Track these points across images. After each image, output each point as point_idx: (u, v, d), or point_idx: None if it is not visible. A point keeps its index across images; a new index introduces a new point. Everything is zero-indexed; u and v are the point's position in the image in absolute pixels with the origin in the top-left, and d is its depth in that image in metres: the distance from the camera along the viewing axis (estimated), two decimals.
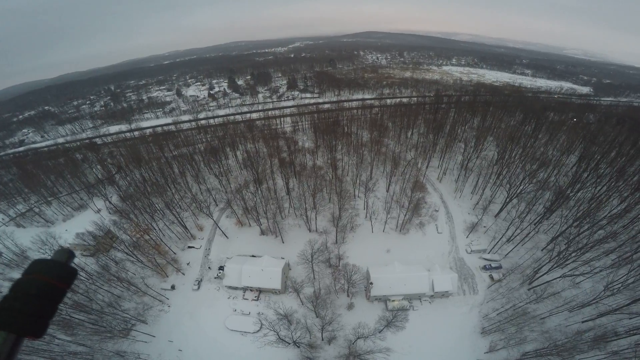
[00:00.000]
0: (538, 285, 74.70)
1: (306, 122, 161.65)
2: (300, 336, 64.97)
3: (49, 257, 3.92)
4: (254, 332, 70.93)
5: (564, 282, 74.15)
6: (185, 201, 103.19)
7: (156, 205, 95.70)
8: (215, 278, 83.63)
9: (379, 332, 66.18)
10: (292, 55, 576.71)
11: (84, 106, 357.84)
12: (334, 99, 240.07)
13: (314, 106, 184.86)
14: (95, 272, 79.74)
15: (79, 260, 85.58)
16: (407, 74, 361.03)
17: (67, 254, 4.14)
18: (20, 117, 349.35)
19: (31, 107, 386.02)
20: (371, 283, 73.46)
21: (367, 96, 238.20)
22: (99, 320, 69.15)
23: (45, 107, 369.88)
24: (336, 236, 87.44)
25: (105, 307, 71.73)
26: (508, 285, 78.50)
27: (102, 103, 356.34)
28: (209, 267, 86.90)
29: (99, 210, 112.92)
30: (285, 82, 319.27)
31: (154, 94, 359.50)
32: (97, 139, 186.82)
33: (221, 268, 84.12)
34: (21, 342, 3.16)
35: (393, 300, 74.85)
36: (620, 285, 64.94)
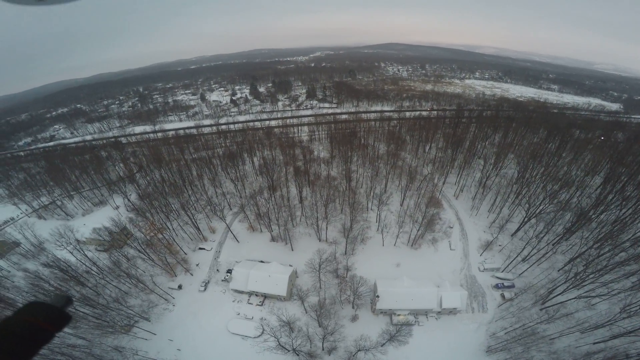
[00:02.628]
0: (551, 306, 72.22)
1: (323, 132, 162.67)
2: (301, 344, 64.47)
3: (47, 301, 4.10)
4: (254, 337, 70.90)
5: (578, 303, 71.28)
6: (201, 203, 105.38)
7: (172, 206, 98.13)
8: (222, 281, 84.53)
9: (381, 345, 64.96)
10: (313, 65, 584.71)
11: (113, 106, 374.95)
12: (352, 109, 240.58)
13: (332, 116, 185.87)
14: (107, 268, 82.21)
15: (92, 254, 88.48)
16: (429, 87, 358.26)
17: (64, 300, 4.36)
18: (54, 113, 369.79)
19: (64, 105, 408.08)
20: (377, 296, 72.23)
21: (385, 108, 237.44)
22: (103, 314, 70.67)
23: (77, 105, 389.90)
24: (346, 247, 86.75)
25: (111, 303, 73.42)
26: (519, 305, 75.92)
27: (130, 104, 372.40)
28: (218, 270, 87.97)
29: (117, 207, 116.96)
30: (304, 91, 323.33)
31: (179, 97, 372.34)
32: (122, 138, 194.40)
33: (229, 271, 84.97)
34: None
35: (398, 315, 73.48)
36: (638, 307, 61.92)
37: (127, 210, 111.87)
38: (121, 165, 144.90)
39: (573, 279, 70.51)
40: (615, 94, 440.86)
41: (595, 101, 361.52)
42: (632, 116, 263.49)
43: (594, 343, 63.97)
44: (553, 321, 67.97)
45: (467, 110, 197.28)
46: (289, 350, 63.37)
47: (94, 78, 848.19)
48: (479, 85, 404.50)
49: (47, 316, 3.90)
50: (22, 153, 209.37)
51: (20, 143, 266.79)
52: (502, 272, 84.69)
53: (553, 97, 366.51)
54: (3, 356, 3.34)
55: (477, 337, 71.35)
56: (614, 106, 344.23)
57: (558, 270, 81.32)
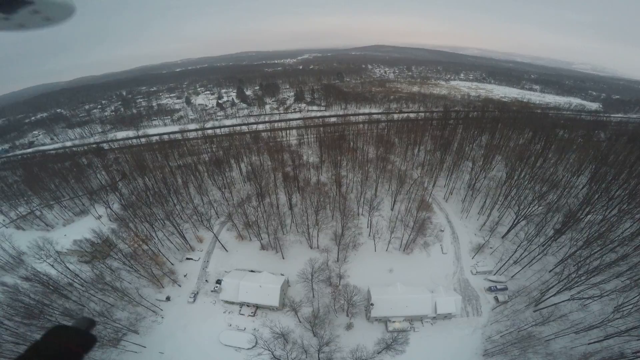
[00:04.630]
0: (544, 308, 72.73)
1: (312, 136, 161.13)
2: (296, 357, 62.78)
3: (70, 324, 4.28)
4: (248, 349, 68.75)
5: (571, 305, 71.88)
6: (187, 212, 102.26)
7: (157, 215, 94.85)
8: (212, 291, 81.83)
9: (377, 353, 63.79)
10: (301, 67, 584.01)
11: (94, 110, 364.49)
12: (341, 112, 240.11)
13: (320, 119, 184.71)
14: (90, 280, 78.69)
15: (74, 267, 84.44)
16: (415, 89, 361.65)
17: (88, 322, 4.58)
18: (33, 118, 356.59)
19: (44, 109, 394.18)
20: (372, 304, 71.08)
21: (374, 110, 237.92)
22: None
23: (58, 110, 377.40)
24: (338, 254, 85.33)
25: (96, 316, 70.33)
26: (513, 307, 76.17)
27: (112, 108, 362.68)
28: (206, 280, 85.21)
29: (99, 217, 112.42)
30: (292, 94, 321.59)
31: (164, 101, 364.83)
32: (104, 144, 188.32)
33: (219, 282, 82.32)
34: None
35: (394, 322, 72.57)
36: (631, 306, 62.78)
37: (110, 220, 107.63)
38: (103, 173, 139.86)
39: (565, 280, 71.22)
40: (594, 93, 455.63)
41: (575, 101, 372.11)
42: (612, 115, 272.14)
43: (589, 343, 64.58)
44: (547, 323, 68.18)
45: (454, 112, 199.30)
46: None
47: (75, 82, 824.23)
48: (464, 87, 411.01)
49: (73, 339, 4.00)
50: None
51: None
52: (494, 274, 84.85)
53: (535, 97, 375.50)
54: None
55: (472, 341, 71.20)
56: (594, 105, 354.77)
57: (549, 272, 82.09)
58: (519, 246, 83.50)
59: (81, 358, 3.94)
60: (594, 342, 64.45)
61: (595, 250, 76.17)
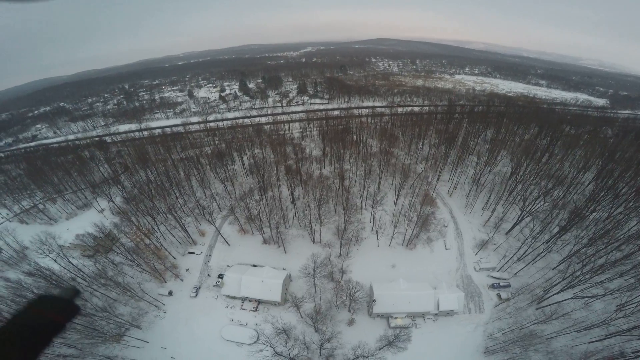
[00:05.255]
0: (547, 306, 72.03)
1: (315, 129, 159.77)
2: (298, 354, 62.58)
3: (55, 294, 4.26)
4: (250, 344, 68.66)
5: (574, 303, 71.15)
6: (189, 206, 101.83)
7: (159, 209, 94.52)
8: (214, 286, 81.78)
9: (379, 349, 63.55)
10: (304, 60, 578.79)
11: (97, 104, 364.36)
12: (344, 105, 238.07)
13: (323, 112, 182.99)
14: (93, 274, 78.68)
15: (77, 261, 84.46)
16: (419, 82, 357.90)
17: (72, 291, 4.53)
18: (36, 112, 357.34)
19: (47, 103, 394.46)
20: (374, 300, 70.59)
21: (377, 104, 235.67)
22: (93, 323, 67.73)
23: (61, 104, 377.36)
24: (340, 249, 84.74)
25: (99, 312, 70.39)
26: (516, 305, 75.51)
27: (115, 101, 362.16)
28: (209, 275, 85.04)
29: (102, 210, 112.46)
30: (295, 86, 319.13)
31: (166, 94, 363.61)
32: (107, 137, 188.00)
33: (221, 276, 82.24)
34: None
35: (396, 318, 72.12)
36: (634, 305, 62.20)
37: (113, 214, 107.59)
38: (106, 166, 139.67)
39: (570, 278, 70.26)
40: (602, 89, 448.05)
41: (582, 96, 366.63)
42: (619, 111, 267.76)
43: (590, 342, 64.10)
44: (550, 321, 67.35)
45: (459, 106, 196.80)
46: (286, 358, 61.35)
47: (78, 75, 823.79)
48: (469, 81, 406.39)
49: (57, 308, 4.05)
50: (2, 154, 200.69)
51: (1, 144, 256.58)
52: (497, 271, 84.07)
53: (541, 92, 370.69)
54: (18, 348, 3.44)
55: (474, 338, 70.78)
56: (601, 101, 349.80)
57: (552, 269, 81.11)
58: (523, 243, 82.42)
59: (64, 327, 4.03)
60: (595, 341, 63.96)
61: (600, 248, 75.22)
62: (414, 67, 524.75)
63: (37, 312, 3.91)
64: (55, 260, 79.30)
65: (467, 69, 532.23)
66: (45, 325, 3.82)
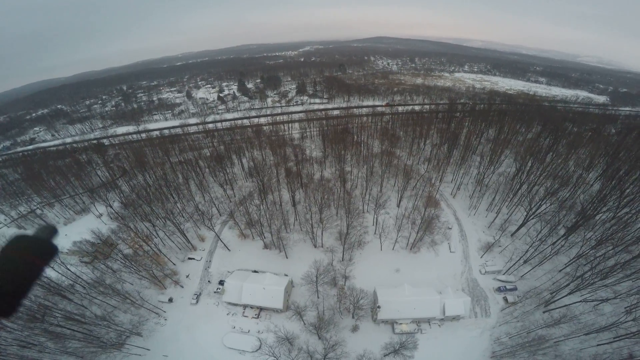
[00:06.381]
0: (555, 309, 70.80)
1: (315, 129, 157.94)
2: None
3: (31, 234, 3.90)
4: (252, 351, 67.35)
5: (583, 306, 69.93)
6: (188, 211, 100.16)
7: (158, 214, 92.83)
8: (215, 292, 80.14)
9: (385, 355, 62.32)
10: (302, 59, 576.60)
11: (95, 106, 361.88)
12: (344, 105, 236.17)
13: (323, 112, 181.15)
14: (92, 281, 77.24)
15: (75, 269, 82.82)
16: (419, 81, 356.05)
17: (49, 230, 4.21)
18: (34, 115, 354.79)
19: (45, 106, 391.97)
20: (379, 306, 69.03)
21: (377, 103, 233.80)
22: (93, 331, 66.85)
23: (59, 106, 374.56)
24: (343, 254, 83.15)
25: (98, 320, 69.02)
26: (523, 309, 74.17)
27: (113, 103, 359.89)
28: (209, 281, 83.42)
29: (100, 215, 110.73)
30: (294, 86, 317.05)
31: (165, 96, 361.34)
32: (105, 139, 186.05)
33: (221, 282, 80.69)
34: None
35: (400, 324, 70.69)
36: None
37: (111, 219, 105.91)
38: (103, 169, 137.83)
39: (579, 280, 68.96)
40: (601, 86, 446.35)
41: (582, 94, 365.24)
42: (620, 108, 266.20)
43: (598, 345, 63.12)
44: (558, 325, 66.00)
45: (460, 104, 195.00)
46: None
47: (76, 77, 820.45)
48: (469, 79, 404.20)
49: (34, 249, 3.77)
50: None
51: None
52: (503, 274, 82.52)
53: (542, 89, 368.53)
54: None
55: (481, 342, 69.59)
56: (601, 98, 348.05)
57: (559, 271, 79.65)
58: (530, 246, 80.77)
59: (41, 270, 3.72)
60: (604, 344, 62.83)
61: (608, 249, 73.74)
62: (413, 65, 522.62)
63: (14, 254, 3.58)
64: (52, 267, 77.52)
65: (466, 66, 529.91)
66: (22, 269, 3.51)
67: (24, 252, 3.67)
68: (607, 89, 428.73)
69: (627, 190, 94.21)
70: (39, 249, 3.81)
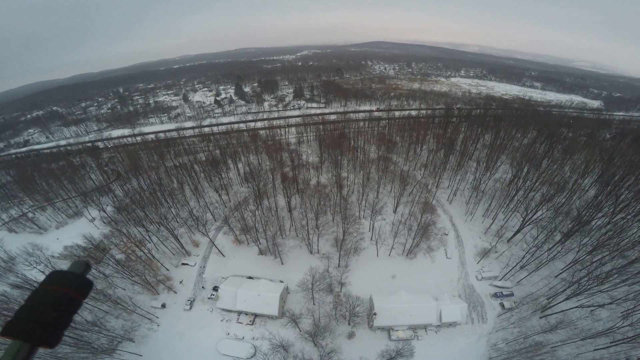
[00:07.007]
0: (552, 314, 70.74)
1: (311, 134, 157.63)
2: None
3: (66, 269, 3.98)
4: (247, 358, 66.46)
5: (579, 312, 69.93)
6: (182, 216, 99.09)
7: (151, 219, 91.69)
8: (208, 298, 78.96)
9: None
10: (300, 64, 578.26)
11: (91, 108, 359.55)
12: (341, 109, 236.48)
13: (320, 117, 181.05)
14: None
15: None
16: (415, 85, 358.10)
17: (84, 265, 4.18)
18: (29, 116, 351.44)
19: (40, 107, 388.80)
20: (375, 313, 68.29)
21: (374, 108, 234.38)
22: (82, 336, 65.33)
23: (54, 108, 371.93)
24: (339, 260, 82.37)
25: (89, 326, 67.72)
26: (519, 314, 73.95)
27: (109, 105, 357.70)
28: (203, 287, 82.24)
29: (93, 219, 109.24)
30: (291, 90, 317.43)
31: (161, 98, 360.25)
32: (100, 142, 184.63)
33: (215, 288, 79.54)
34: (35, 352, 3.27)
35: (397, 330, 70.01)
36: None
37: (104, 223, 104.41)
38: (97, 172, 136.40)
39: (576, 285, 69.05)
40: (595, 91, 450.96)
41: (577, 98, 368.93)
42: (614, 113, 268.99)
43: (595, 349, 63.25)
44: (555, 331, 65.84)
45: (456, 109, 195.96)
46: None
47: (72, 79, 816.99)
48: (465, 84, 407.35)
49: (69, 284, 3.82)
50: None
51: None
52: (500, 280, 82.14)
53: (537, 94, 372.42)
54: (41, 329, 3.32)
55: (477, 349, 69.06)
56: (595, 103, 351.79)
57: (556, 277, 79.59)
58: (526, 252, 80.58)
59: (80, 303, 3.79)
60: (601, 349, 62.96)
61: (604, 255, 73.88)
62: (410, 70, 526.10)
63: (51, 288, 3.65)
64: (43, 272, 76.41)
65: (462, 71, 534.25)
66: (63, 302, 3.59)
67: (60, 286, 3.71)
68: (601, 93, 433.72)
69: (622, 196, 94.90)
70: (74, 283, 3.84)
